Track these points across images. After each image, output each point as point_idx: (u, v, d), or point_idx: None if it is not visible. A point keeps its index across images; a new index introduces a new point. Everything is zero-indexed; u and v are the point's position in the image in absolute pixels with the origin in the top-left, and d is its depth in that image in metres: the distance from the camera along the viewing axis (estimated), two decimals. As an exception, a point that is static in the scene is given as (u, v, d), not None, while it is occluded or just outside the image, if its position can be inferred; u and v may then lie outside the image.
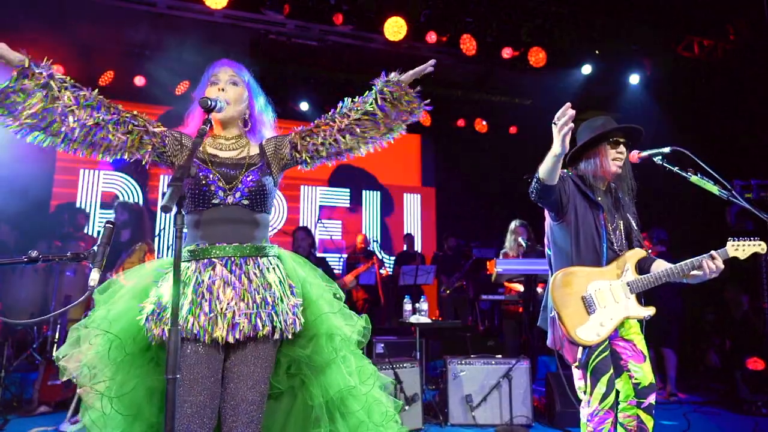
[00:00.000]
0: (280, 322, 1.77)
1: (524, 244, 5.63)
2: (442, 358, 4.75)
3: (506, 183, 9.77)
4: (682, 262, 2.43)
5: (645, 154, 2.48)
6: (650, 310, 2.47)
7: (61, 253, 1.61)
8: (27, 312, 5.69)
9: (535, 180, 2.40)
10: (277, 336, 1.79)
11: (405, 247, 8.30)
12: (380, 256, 7.74)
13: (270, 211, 1.99)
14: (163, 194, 1.41)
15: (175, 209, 1.36)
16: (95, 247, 1.52)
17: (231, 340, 1.71)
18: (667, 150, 2.37)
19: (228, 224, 1.83)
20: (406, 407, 4.12)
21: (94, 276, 1.47)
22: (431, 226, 10.00)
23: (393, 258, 8.83)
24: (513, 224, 5.84)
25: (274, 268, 1.88)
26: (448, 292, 7.89)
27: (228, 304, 1.73)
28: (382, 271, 7.44)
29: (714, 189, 2.28)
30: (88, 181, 7.98)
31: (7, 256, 1.80)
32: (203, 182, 1.83)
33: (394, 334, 6.56)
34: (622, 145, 2.58)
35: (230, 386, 1.74)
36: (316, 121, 2.04)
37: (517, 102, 9.35)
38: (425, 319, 4.65)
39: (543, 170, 2.31)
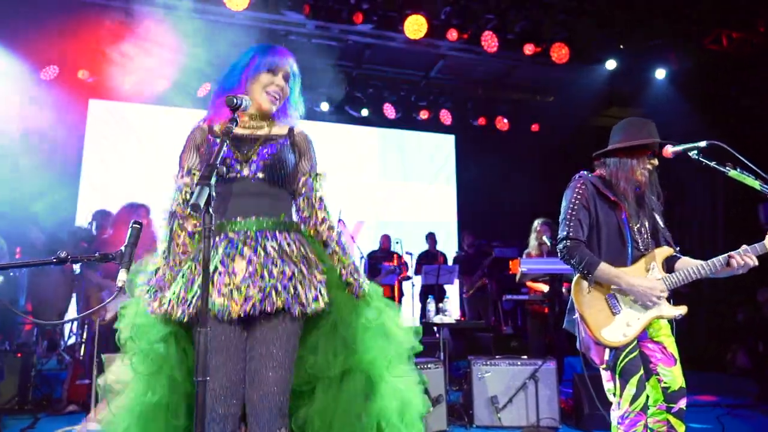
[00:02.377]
0: (299, 296, 1.71)
1: (548, 243, 5.54)
2: (466, 359, 4.70)
3: (528, 181, 9.67)
4: (713, 259, 2.36)
5: (679, 148, 2.40)
6: (681, 310, 2.40)
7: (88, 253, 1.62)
8: (55, 312, 5.80)
9: (570, 247, 2.46)
10: (296, 310, 1.71)
11: (427, 247, 8.26)
12: (401, 255, 7.68)
13: (291, 188, 1.93)
14: (191, 193, 1.40)
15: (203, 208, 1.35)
16: (123, 248, 1.52)
17: (244, 313, 1.66)
18: (703, 144, 2.29)
19: (244, 198, 1.80)
20: (431, 408, 4.09)
21: (122, 276, 1.48)
22: (452, 225, 9.93)
23: (415, 258, 8.78)
24: (536, 223, 5.76)
25: (294, 242, 1.83)
26: (470, 292, 7.83)
27: (242, 278, 1.70)
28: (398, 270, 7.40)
29: (755, 184, 2.19)
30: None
31: (36, 258, 1.81)
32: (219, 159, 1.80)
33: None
34: (655, 158, 2.52)
35: (251, 366, 1.69)
36: (310, 204, 1.96)
37: (539, 99, 9.25)
38: (449, 320, 4.61)
39: (595, 274, 2.38)
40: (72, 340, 6.01)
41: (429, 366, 4.26)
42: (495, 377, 4.38)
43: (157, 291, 1.74)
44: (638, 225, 2.51)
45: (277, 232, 1.81)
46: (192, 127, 1.96)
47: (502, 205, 9.61)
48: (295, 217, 1.94)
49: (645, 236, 2.51)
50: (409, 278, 7.58)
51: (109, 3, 6.36)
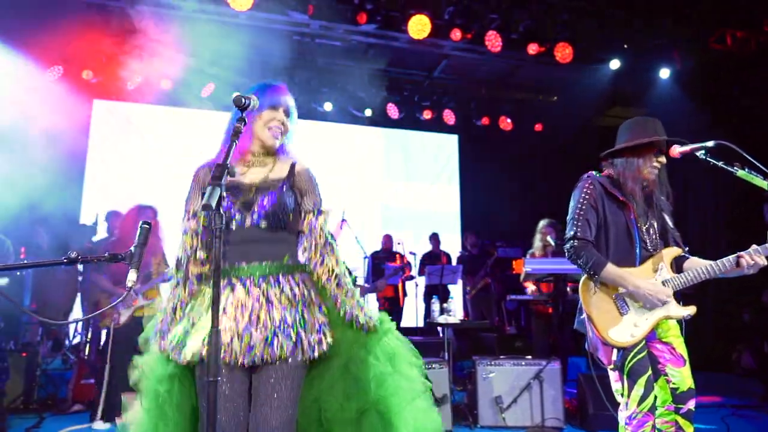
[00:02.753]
0: (301, 341, 1.73)
1: (553, 244, 5.54)
2: (470, 359, 4.70)
3: (531, 181, 9.66)
4: (723, 259, 2.35)
5: (686, 148, 2.39)
6: (690, 310, 2.39)
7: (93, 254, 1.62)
8: (60, 312, 5.82)
9: (577, 247, 2.44)
10: (300, 357, 1.73)
11: (431, 247, 8.25)
12: (404, 255, 7.68)
13: (295, 229, 1.94)
14: (203, 194, 1.41)
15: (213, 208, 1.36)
16: (132, 248, 1.52)
17: (246, 363, 1.69)
18: (711, 144, 2.28)
19: (247, 245, 1.82)
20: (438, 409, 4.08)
21: (132, 276, 1.48)
22: (456, 225, 9.92)
23: (418, 258, 8.78)
24: (541, 224, 5.75)
25: (297, 285, 1.84)
26: (473, 292, 7.82)
27: (245, 325, 1.71)
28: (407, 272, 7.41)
29: (763, 184, 2.18)
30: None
31: (42, 258, 1.82)
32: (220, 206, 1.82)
33: (418, 333, 6.53)
34: (663, 156, 2.51)
35: (255, 409, 1.70)
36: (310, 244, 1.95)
37: (543, 99, 9.23)
38: (454, 320, 4.61)
39: (601, 275, 2.38)
40: (77, 340, 6.03)
41: (433, 366, 4.26)
42: (499, 377, 4.38)
43: (163, 334, 1.80)
44: (647, 225, 2.50)
45: (280, 276, 1.83)
46: (196, 168, 1.98)
47: (505, 205, 9.60)
48: (301, 257, 1.93)
49: (653, 236, 2.50)
50: (412, 278, 7.58)
51: (113, 3, 6.37)
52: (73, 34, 6.52)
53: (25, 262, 4.40)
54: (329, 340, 1.79)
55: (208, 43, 6.35)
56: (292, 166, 1.98)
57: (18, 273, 4.42)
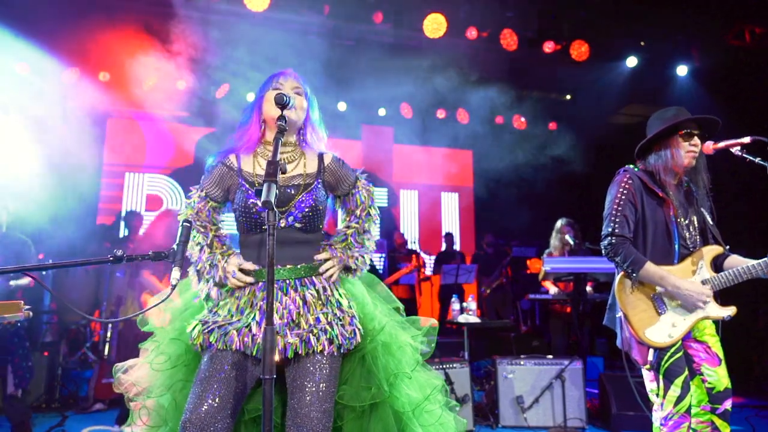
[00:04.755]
0: (337, 336, 1.74)
1: (572, 243, 5.49)
2: (491, 358, 4.67)
3: (546, 180, 9.59)
4: (765, 258, 2.28)
5: (721, 144, 2.34)
6: (729, 310, 2.34)
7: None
8: (80, 311, 5.83)
9: (615, 245, 2.40)
10: (336, 350, 1.74)
11: (444, 247, 8.23)
12: (421, 255, 7.67)
13: (322, 227, 1.95)
14: (258, 191, 1.41)
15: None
16: (175, 246, 1.52)
17: (277, 358, 1.67)
18: (747, 140, 2.24)
19: (281, 248, 1.79)
20: (457, 408, 4.06)
21: (175, 274, 1.48)
22: (470, 225, 9.89)
23: (433, 257, 8.77)
24: (559, 223, 5.70)
25: (329, 285, 1.86)
26: (488, 291, 7.79)
27: (279, 326, 1.72)
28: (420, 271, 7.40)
29: (805, 179, 2.14)
30: (133, 183, 8.17)
31: (59, 260, 1.83)
32: (253, 210, 1.80)
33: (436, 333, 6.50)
34: (696, 137, 2.42)
35: (293, 401, 1.70)
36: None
37: (556, 97, 9.16)
38: (474, 319, 4.58)
39: (640, 273, 2.34)
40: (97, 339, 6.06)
41: (454, 366, 4.23)
42: (520, 377, 4.35)
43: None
44: (686, 222, 2.44)
45: (314, 277, 1.85)
46: (215, 160, 1.93)
47: (520, 204, 9.54)
48: (340, 224, 1.99)
49: (693, 233, 2.45)
50: (428, 278, 7.56)
51: (126, 5, 6.40)
52: (87, 36, 6.55)
53: (71, 261, 4.41)
54: (362, 331, 1.81)
55: (224, 44, 6.36)
56: (320, 158, 1.95)
57: (44, 273, 4.44)
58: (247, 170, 1.88)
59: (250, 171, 1.87)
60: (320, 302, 1.80)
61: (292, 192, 1.85)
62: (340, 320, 1.78)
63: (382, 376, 1.77)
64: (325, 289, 1.84)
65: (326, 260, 1.87)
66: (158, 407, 1.77)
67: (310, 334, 1.71)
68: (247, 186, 1.84)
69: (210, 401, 1.59)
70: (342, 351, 1.76)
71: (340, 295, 1.86)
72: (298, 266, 1.83)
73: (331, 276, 1.86)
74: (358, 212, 1.98)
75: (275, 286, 1.77)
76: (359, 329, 1.80)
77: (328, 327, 1.74)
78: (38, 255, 5.36)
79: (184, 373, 1.81)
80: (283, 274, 1.80)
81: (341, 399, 1.76)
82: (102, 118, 7.92)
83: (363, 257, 1.94)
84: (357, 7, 6.25)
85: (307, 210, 1.84)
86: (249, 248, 1.87)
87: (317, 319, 1.75)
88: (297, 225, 1.83)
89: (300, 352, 1.70)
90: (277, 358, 1.61)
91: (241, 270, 1.80)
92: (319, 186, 1.90)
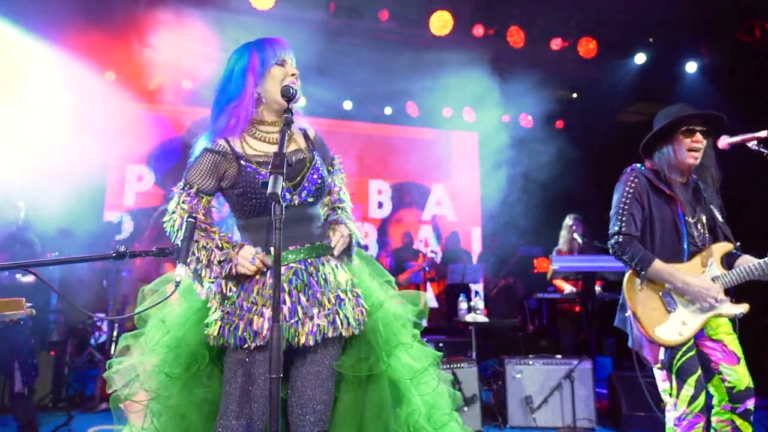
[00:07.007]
0: (352, 319, 1.74)
1: (580, 240, 5.44)
2: (498, 358, 4.63)
3: (553, 179, 9.51)
4: None
5: (737, 139, 2.30)
6: (742, 308, 2.30)
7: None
8: (85, 309, 5.83)
9: (622, 243, 2.37)
10: (345, 332, 1.73)
11: (451, 246, 8.19)
12: (426, 254, 7.63)
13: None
14: (264, 184, 1.36)
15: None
16: (179, 242, 1.49)
17: (311, 342, 1.67)
18: (763, 134, 2.19)
19: (297, 226, 1.76)
20: (465, 408, 4.02)
21: (180, 271, 1.45)
22: (476, 223, 9.83)
23: (439, 256, 8.73)
24: (567, 219, 5.66)
25: (341, 266, 1.85)
26: (495, 291, 7.75)
27: (310, 308, 1.69)
28: (427, 269, 7.35)
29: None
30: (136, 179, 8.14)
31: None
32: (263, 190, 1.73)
33: (442, 333, 6.46)
34: (698, 134, 2.38)
35: (297, 385, 1.69)
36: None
37: (563, 95, 9.09)
38: (482, 318, 4.55)
39: (648, 271, 2.31)
40: (103, 339, 6.06)
41: (462, 366, 4.19)
42: (529, 377, 4.30)
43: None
44: (694, 219, 2.41)
45: (330, 257, 1.81)
46: (204, 146, 1.76)
47: (526, 203, 9.48)
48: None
49: (702, 231, 2.41)
50: (435, 278, 7.52)
51: (130, 3, 6.40)
52: (95, 33, 6.55)
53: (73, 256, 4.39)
54: (367, 308, 1.81)
55: (228, 41, 6.34)
56: (305, 134, 1.92)
57: (51, 268, 4.43)
58: (245, 152, 1.76)
59: (250, 153, 1.76)
60: (334, 282, 1.78)
61: (299, 167, 1.79)
62: (350, 302, 1.77)
63: (382, 347, 1.77)
64: (336, 266, 1.82)
65: (339, 238, 1.83)
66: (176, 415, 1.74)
67: (336, 315, 1.71)
68: (254, 167, 1.72)
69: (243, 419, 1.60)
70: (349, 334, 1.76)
71: (345, 272, 1.85)
72: (314, 245, 1.78)
73: (342, 253, 1.84)
74: (337, 192, 1.97)
75: (299, 266, 1.73)
76: (365, 308, 1.80)
77: (341, 309, 1.73)
78: (46, 254, 5.38)
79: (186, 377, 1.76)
80: (301, 254, 1.74)
81: (337, 368, 1.76)
82: (108, 115, 7.93)
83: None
84: (362, 4, 6.22)
85: (319, 182, 1.80)
86: (254, 232, 1.76)
87: (339, 299, 1.74)
88: (310, 199, 1.79)
89: (328, 335, 1.68)
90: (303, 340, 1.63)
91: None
92: (321, 160, 1.89)
